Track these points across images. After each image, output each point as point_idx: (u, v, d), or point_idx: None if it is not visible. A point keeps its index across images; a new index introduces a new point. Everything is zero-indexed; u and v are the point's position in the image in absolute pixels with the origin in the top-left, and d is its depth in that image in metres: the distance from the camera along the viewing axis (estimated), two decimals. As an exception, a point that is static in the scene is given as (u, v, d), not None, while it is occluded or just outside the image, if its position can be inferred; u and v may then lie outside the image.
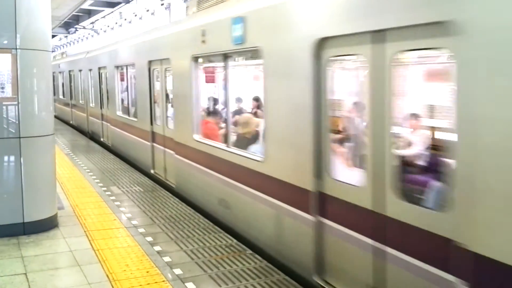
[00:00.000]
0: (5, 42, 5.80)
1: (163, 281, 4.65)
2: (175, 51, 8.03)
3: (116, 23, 24.79)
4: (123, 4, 22.21)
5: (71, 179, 9.07)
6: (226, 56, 6.45)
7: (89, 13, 27.06)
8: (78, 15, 26.92)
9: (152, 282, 4.62)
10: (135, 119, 10.65)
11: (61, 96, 22.16)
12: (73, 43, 36.66)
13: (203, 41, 6.74)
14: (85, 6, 21.65)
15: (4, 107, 5.85)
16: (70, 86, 19.48)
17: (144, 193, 8.15)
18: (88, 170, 10.00)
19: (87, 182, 8.90)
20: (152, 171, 9.60)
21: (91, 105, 15.62)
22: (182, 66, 7.65)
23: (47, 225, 6.11)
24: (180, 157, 7.98)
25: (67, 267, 5.03)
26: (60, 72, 22.16)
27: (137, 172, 9.89)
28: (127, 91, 11.86)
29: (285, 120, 4.96)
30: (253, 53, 6.01)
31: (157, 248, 5.51)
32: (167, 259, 5.19)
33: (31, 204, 5.97)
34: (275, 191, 5.17)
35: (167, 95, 8.98)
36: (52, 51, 36.78)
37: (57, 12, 18.30)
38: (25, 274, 4.79)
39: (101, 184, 8.71)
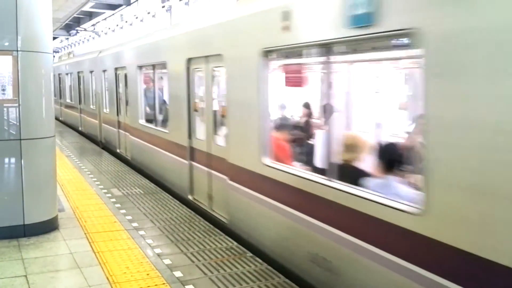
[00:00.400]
0: (6, 44, 5.80)
1: (164, 283, 4.64)
2: (232, 44, 6.13)
3: (117, 25, 24.86)
4: (124, 6, 22.30)
5: (72, 181, 9.07)
6: (328, 48, 4.49)
7: (90, 15, 27.19)
8: (79, 17, 27.05)
9: (152, 285, 4.61)
10: (166, 131, 8.82)
11: (68, 100, 20.10)
12: (74, 45, 36.75)
13: (285, 28, 4.88)
14: (86, 8, 21.75)
15: (5, 109, 5.84)
16: (79, 89, 17.49)
17: (145, 195, 8.15)
18: (89, 172, 10.01)
19: (87, 184, 8.90)
20: (189, 197, 7.71)
21: (104, 110, 13.90)
22: (244, 63, 5.77)
23: (48, 227, 6.10)
24: (238, 185, 6.06)
25: (67, 269, 5.03)
26: (67, 74, 20.07)
27: (138, 175, 9.88)
28: (154, 95, 10.07)
29: (475, 148, 3.01)
30: (388, 41, 4.14)
31: (158, 250, 5.51)
32: (167, 261, 5.18)
33: (32, 206, 5.96)
34: (456, 269, 3.19)
35: (214, 102, 7.11)
36: (56, 52, 36.74)
37: (58, 14, 18.34)
38: (25, 276, 4.79)
39: (101, 186, 8.71)
